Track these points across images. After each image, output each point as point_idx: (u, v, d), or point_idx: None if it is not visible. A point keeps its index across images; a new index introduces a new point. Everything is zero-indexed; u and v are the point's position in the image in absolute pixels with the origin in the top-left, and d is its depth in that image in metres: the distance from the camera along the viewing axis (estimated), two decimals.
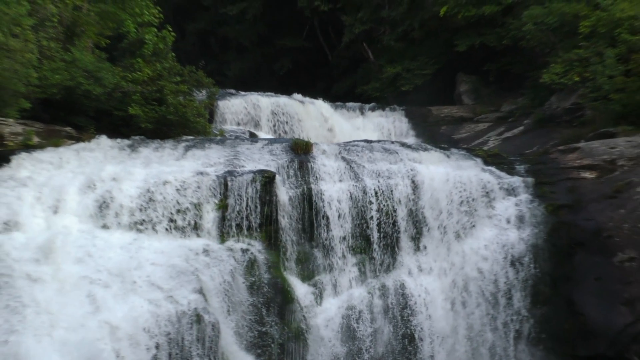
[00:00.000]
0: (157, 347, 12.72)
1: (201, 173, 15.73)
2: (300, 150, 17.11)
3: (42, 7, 19.35)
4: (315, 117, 28.38)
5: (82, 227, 14.54)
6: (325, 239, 15.67)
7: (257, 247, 14.94)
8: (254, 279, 14.43)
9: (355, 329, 14.92)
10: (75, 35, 21.27)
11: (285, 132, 27.01)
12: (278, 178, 15.86)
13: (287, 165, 16.44)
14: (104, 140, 18.26)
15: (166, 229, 14.87)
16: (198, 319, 13.21)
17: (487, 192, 16.70)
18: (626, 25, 21.42)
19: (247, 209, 15.24)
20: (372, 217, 15.94)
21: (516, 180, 17.17)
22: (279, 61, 45.70)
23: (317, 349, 14.60)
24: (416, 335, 15.13)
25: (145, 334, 12.73)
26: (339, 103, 31.65)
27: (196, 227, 15.03)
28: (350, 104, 32.33)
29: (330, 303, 15.23)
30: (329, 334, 14.84)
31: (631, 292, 14.04)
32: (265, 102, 27.80)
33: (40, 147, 17.06)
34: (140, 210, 14.89)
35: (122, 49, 23.89)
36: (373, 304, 15.25)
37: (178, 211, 15.02)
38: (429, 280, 15.78)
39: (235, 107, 27.31)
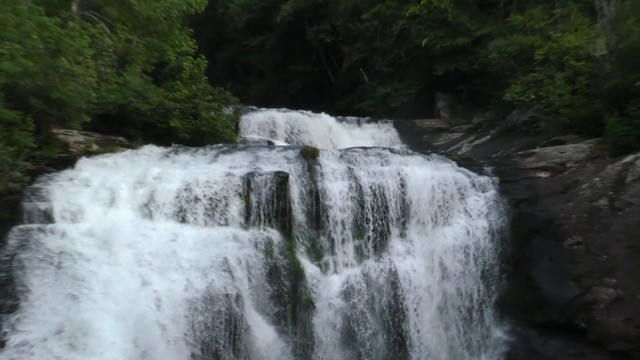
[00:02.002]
0: (193, 313, 12.77)
1: (229, 174, 15.70)
2: (309, 155, 17.04)
3: (100, 40, 19.40)
4: (321, 128, 28.31)
5: (133, 218, 14.57)
6: (329, 228, 15.60)
7: (274, 234, 14.87)
8: (272, 260, 14.40)
9: (352, 298, 14.89)
10: (126, 63, 21.33)
11: (298, 139, 26.93)
12: (291, 178, 15.79)
13: (299, 167, 16.37)
14: (150, 147, 18.25)
15: (201, 220, 14.85)
16: (226, 291, 13.20)
17: (461, 189, 16.62)
18: (572, 54, 21.46)
19: (266, 203, 15.20)
20: (367, 209, 15.86)
21: (485, 179, 17.11)
22: (291, 83, 45.65)
23: (322, 314, 14.58)
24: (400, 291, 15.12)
25: (184, 304, 12.77)
26: (340, 117, 31.48)
27: (225, 218, 14.98)
28: (349, 117, 32.19)
29: (334, 279, 15.18)
30: (332, 303, 14.80)
31: (578, 270, 14.05)
32: (280, 116, 27.74)
33: (98, 153, 17.10)
34: (180, 204, 14.87)
35: (164, 73, 23.93)
36: (368, 278, 15.19)
37: (211, 205, 14.99)
38: (413, 261, 15.70)
39: (256, 120, 27.27)
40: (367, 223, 15.83)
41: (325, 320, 14.59)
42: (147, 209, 14.79)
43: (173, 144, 19.11)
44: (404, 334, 14.86)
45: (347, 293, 14.94)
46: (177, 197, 14.93)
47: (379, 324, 14.89)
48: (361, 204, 15.89)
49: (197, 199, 14.96)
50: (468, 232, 15.78)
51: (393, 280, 15.18)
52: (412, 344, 14.84)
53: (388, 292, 15.11)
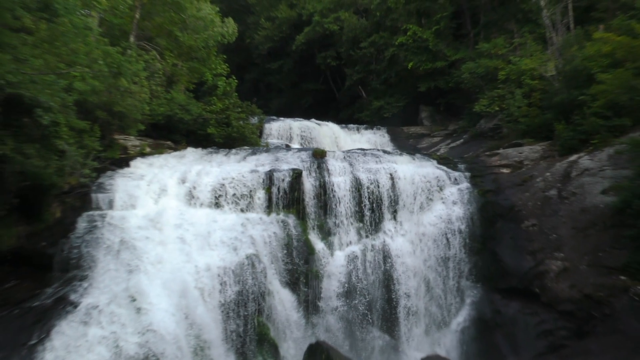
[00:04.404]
0: (225, 282, 12.83)
1: (254, 171, 15.73)
2: (319, 156, 17.04)
3: (152, 64, 19.55)
4: (327, 134, 28.19)
5: (178, 206, 14.61)
6: (334, 213, 15.61)
7: (291, 219, 14.91)
8: (289, 239, 14.43)
9: (353, 269, 14.90)
10: (173, 82, 21.47)
11: (310, 143, 26.87)
12: (304, 173, 15.81)
13: (310, 165, 16.39)
14: (191, 150, 18.31)
15: (233, 207, 14.88)
16: (252, 264, 13.24)
17: (439, 182, 16.59)
18: (528, 74, 21.49)
19: (284, 194, 15.23)
20: (365, 198, 15.87)
21: (459, 174, 17.06)
22: (304, 98, 45.55)
23: (329, 282, 14.62)
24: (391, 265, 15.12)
25: (218, 274, 12.82)
26: (343, 125, 31.24)
27: (252, 206, 15.03)
28: (351, 125, 31.94)
29: (338, 254, 15.20)
30: (337, 273, 14.82)
31: (533, 246, 14.10)
32: (295, 125, 27.66)
33: (150, 154, 17.18)
34: (216, 194, 14.92)
35: (203, 91, 24.00)
36: (366, 254, 15.20)
37: (240, 195, 15.03)
38: (402, 240, 15.70)
39: (276, 128, 27.20)
40: (364, 210, 15.84)
41: (334, 283, 14.70)
42: (190, 198, 14.85)
43: (210, 147, 19.15)
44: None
45: (349, 264, 14.96)
46: (213, 189, 14.99)
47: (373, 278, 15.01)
48: (360, 194, 15.89)
49: (229, 191, 15.02)
50: (446, 216, 15.76)
51: (385, 253, 15.22)
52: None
53: (380, 261, 15.20)
